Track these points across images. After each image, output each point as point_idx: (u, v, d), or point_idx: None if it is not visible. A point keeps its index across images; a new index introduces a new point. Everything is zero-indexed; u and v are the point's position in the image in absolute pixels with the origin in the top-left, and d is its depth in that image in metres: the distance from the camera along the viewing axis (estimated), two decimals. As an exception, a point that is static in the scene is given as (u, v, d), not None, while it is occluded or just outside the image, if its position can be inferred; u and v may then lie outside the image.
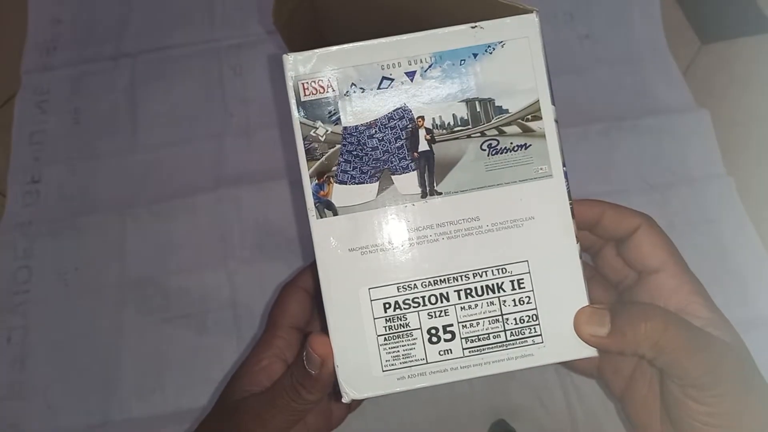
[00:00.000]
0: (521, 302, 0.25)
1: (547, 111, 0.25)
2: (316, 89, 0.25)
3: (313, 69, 0.25)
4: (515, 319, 0.25)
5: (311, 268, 0.32)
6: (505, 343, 0.25)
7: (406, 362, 0.25)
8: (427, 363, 0.25)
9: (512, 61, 0.25)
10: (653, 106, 0.46)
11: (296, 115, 0.25)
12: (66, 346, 0.44)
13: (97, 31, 0.52)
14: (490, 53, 0.25)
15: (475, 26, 0.25)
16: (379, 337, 0.25)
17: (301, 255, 0.45)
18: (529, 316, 0.25)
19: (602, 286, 0.30)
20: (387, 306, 0.25)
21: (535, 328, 0.25)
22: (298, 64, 0.25)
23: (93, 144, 0.49)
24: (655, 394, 0.27)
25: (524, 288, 0.25)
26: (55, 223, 0.47)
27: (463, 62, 0.25)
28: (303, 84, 0.25)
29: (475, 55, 0.25)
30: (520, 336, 0.25)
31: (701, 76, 0.48)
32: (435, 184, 0.25)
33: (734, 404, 0.24)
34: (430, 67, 0.25)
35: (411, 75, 0.25)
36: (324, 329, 0.25)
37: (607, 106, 0.47)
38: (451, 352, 0.25)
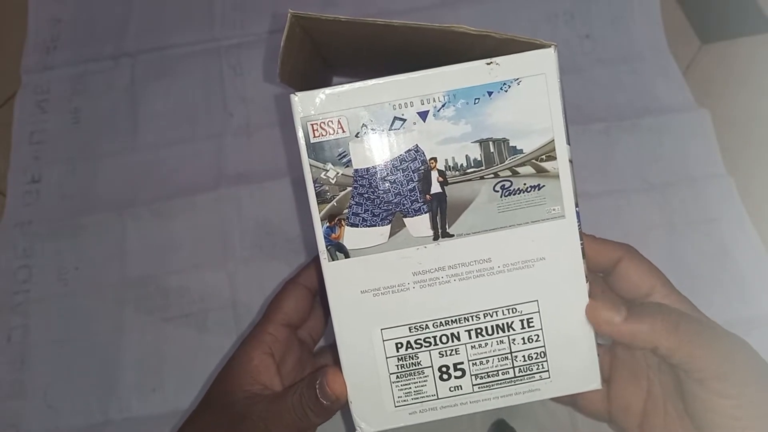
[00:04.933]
0: (530, 340, 0.25)
1: (562, 151, 0.24)
2: (325, 130, 0.24)
3: (322, 109, 0.24)
4: (524, 356, 0.26)
5: (315, 263, 0.32)
6: (513, 379, 0.26)
7: (417, 398, 0.26)
8: (438, 398, 0.26)
9: (528, 99, 0.24)
10: (653, 106, 0.46)
11: (306, 158, 0.24)
12: (66, 345, 0.44)
13: (97, 30, 0.52)
14: (506, 91, 0.24)
15: (491, 62, 0.24)
16: (391, 375, 0.26)
17: (304, 254, 0.45)
18: (537, 353, 0.26)
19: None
20: (399, 345, 0.25)
21: (542, 365, 0.26)
22: (306, 105, 0.24)
23: (93, 144, 0.49)
24: (673, 419, 0.27)
25: (533, 327, 0.25)
26: (55, 223, 0.47)
27: (477, 101, 0.24)
28: (312, 125, 0.24)
29: (489, 93, 0.24)
30: (528, 372, 0.26)
31: (701, 76, 0.48)
32: (447, 227, 0.25)
33: (758, 392, 0.24)
34: (443, 106, 0.24)
35: (423, 115, 0.24)
36: (337, 362, 0.26)
37: (607, 105, 0.47)
38: (461, 388, 0.26)
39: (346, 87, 0.24)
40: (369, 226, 0.25)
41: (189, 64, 0.51)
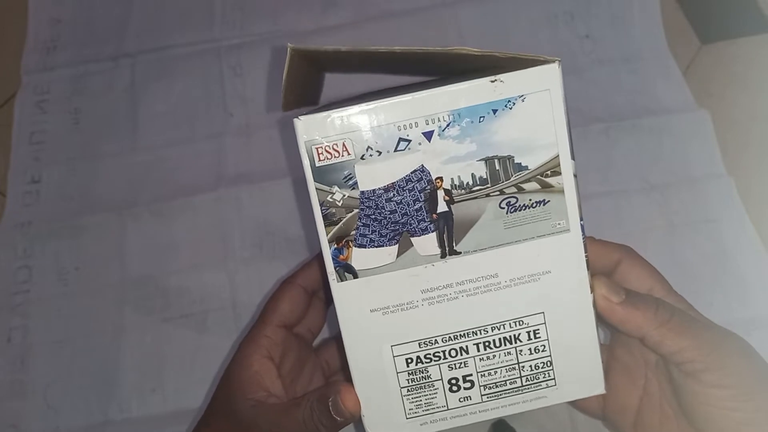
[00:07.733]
0: (536, 351, 0.26)
1: (567, 165, 0.24)
2: (330, 153, 0.24)
3: (326, 132, 0.24)
4: (531, 366, 0.26)
5: (316, 260, 0.32)
6: (521, 388, 0.26)
7: (428, 410, 0.26)
8: (448, 409, 0.26)
9: (532, 115, 0.24)
10: (653, 106, 0.46)
11: (312, 182, 0.24)
12: (66, 346, 0.44)
13: (97, 31, 0.52)
14: (510, 108, 0.24)
15: (495, 80, 0.23)
16: (402, 389, 0.26)
17: (304, 254, 0.45)
18: (543, 362, 0.26)
19: None
20: (409, 361, 0.26)
21: (549, 373, 0.26)
22: (310, 128, 0.24)
23: (93, 144, 0.49)
24: (669, 419, 0.27)
25: (540, 337, 0.26)
26: (55, 223, 0.47)
27: (482, 119, 0.24)
28: (317, 149, 0.24)
29: (494, 111, 0.24)
30: (535, 381, 0.26)
31: (701, 76, 0.48)
32: (454, 244, 0.25)
33: (756, 384, 0.24)
34: (448, 125, 0.24)
35: (428, 135, 0.24)
36: (348, 378, 0.26)
37: (607, 106, 0.47)
38: (471, 399, 0.26)
39: (351, 110, 0.24)
40: (377, 247, 0.25)
41: (189, 64, 0.51)
